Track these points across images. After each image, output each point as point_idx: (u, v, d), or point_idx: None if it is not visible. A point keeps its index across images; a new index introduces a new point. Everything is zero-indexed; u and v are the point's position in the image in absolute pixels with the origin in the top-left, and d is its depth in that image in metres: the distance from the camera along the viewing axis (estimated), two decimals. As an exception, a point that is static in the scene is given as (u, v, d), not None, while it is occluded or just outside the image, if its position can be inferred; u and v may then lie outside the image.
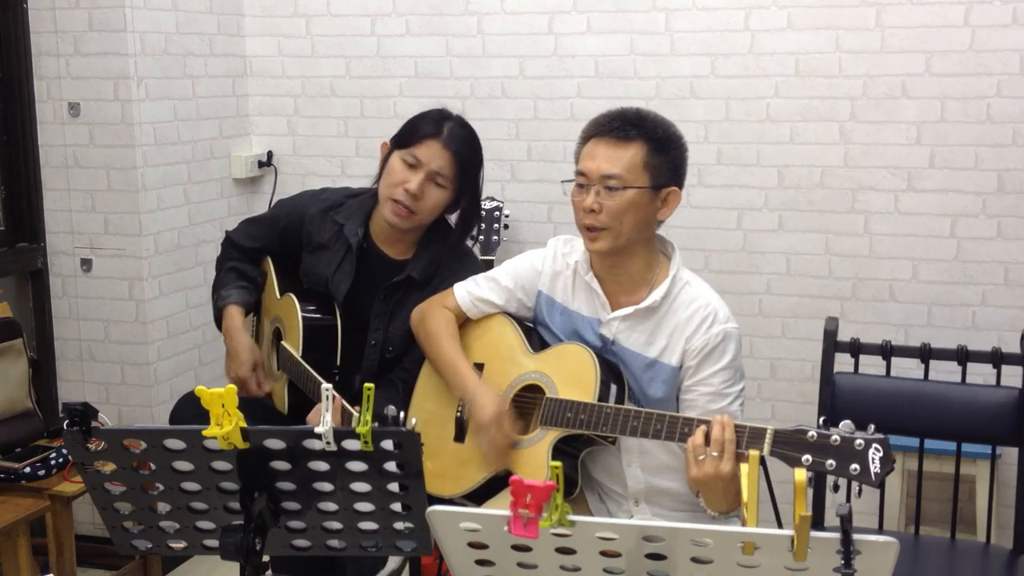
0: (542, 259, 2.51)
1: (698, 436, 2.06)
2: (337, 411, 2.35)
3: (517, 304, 2.52)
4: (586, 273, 2.41)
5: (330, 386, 1.65)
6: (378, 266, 2.73)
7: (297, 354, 2.63)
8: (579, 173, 2.34)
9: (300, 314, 2.67)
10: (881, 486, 1.92)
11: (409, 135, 2.65)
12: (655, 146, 2.31)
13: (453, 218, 2.80)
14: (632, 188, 2.28)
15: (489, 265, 2.80)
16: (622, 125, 2.31)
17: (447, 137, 2.63)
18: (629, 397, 2.33)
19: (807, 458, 1.94)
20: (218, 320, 2.87)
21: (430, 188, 2.62)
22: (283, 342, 2.73)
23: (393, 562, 3.09)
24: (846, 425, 1.93)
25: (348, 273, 2.71)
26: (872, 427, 1.92)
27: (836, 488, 1.92)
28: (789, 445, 1.97)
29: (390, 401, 2.58)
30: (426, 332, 2.57)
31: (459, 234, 2.76)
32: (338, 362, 2.67)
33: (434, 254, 2.71)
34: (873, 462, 1.88)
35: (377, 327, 2.70)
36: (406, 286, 2.69)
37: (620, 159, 2.29)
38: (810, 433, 1.95)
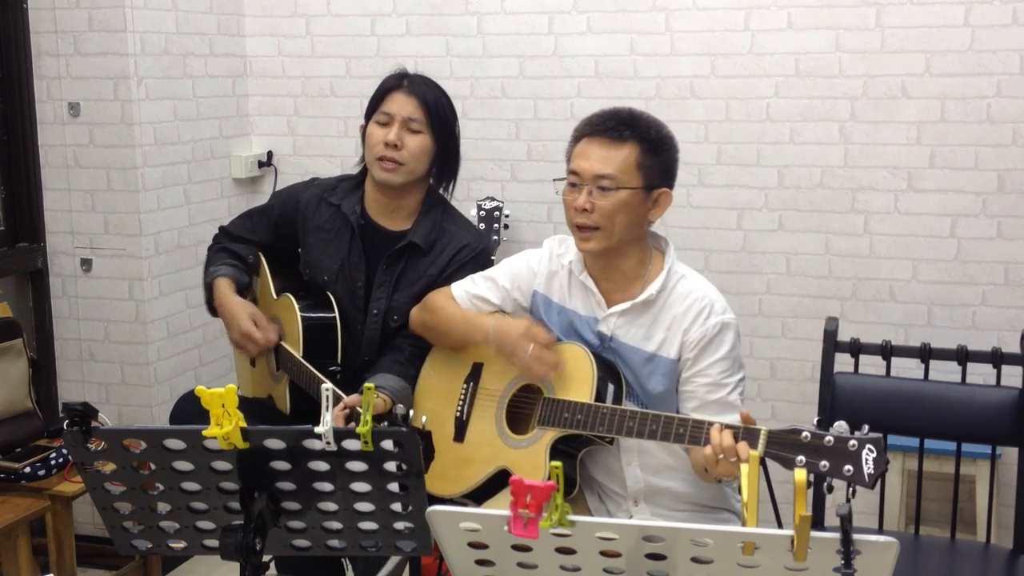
0: (538, 259, 2.51)
1: (708, 451, 2.06)
2: (340, 418, 2.35)
3: (513, 304, 2.52)
4: (580, 272, 2.42)
5: (330, 386, 1.65)
6: (378, 240, 2.74)
7: (298, 355, 2.63)
8: (572, 172, 2.34)
9: (299, 315, 2.67)
10: (875, 487, 1.91)
11: (375, 99, 2.73)
12: (648, 147, 2.31)
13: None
14: (625, 189, 2.28)
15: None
16: (616, 125, 2.31)
17: (409, 86, 2.72)
18: (628, 394, 2.34)
19: (801, 459, 1.94)
20: (209, 301, 2.84)
21: (407, 136, 2.67)
22: (283, 343, 2.73)
23: (392, 562, 3.08)
24: (840, 426, 1.93)
25: (360, 254, 2.73)
26: (866, 427, 1.92)
27: (830, 489, 1.92)
28: (783, 446, 1.97)
29: (398, 367, 2.60)
30: (429, 311, 2.58)
31: (436, 181, 2.78)
32: (338, 359, 2.68)
33: (433, 221, 2.73)
34: (867, 463, 1.88)
35: (380, 296, 2.70)
36: (408, 252, 2.71)
37: (613, 159, 2.29)
38: (804, 434, 1.95)
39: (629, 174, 2.29)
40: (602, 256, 2.36)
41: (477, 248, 2.72)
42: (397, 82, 2.72)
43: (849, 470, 1.89)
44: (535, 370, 2.34)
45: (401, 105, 2.68)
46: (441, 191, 2.80)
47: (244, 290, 2.85)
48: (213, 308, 2.83)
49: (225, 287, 2.78)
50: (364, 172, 2.78)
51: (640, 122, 2.33)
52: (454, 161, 2.78)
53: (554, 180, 2.44)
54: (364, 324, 2.72)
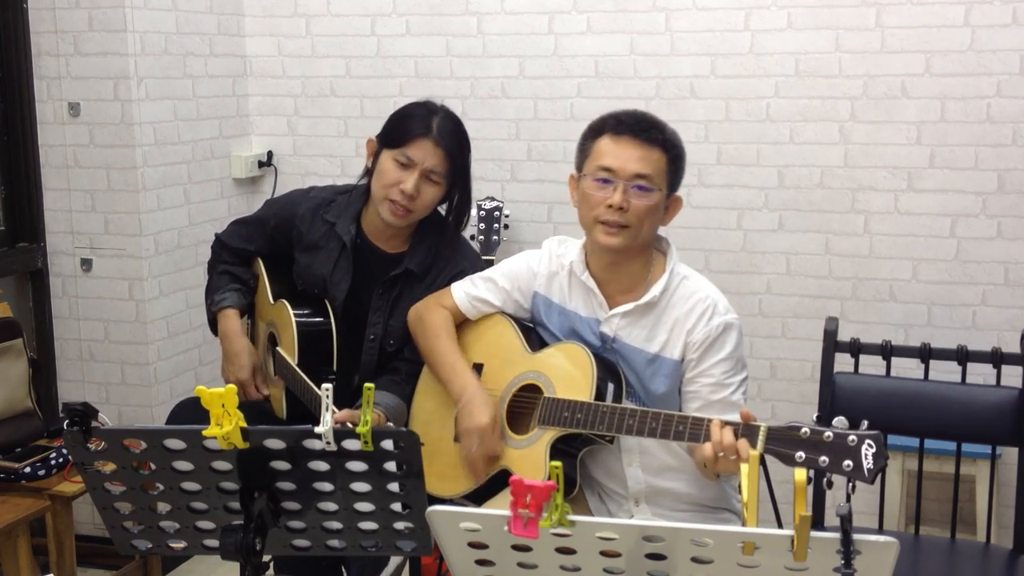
0: (538, 260, 2.51)
1: (708, 448, 2.06)
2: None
3: (514, 305, 2.52)
4: (582, 273, 2.41)
5: (330, 386, 1.64)
6: (373, 262, 2.72)
7: (293, 360, 2.63)
8: (604, 168, 2.30)
9: (294, 320, 2.66)
10: (874, 482, 1.91)
11: (399, 135, 2.62)
12: (674, 154, 2.34)
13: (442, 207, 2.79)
14: (658, 191, 2.30)
15: (489, 265, 2.79)
16: (648, 128, 2.32)
17: (438, 134, 2.60)
18: (630, 394, 2.34)
19: (800, 455, 1.94)
20: (212, 324, 2.86)
21: (425, 186, 2.61)
22: (279, 348, 2.72)
23: (394, 562, 3.08)
24: (839, 421, 1.93)
25: (346, 271, 2.71)
26: (865, 423, 1.92)
27: (830, 484, 1.92)
28: (783, 442, 1.97)
29: (394, 387, 2.60)
30: (423, 331, 2.56)
31: (453, 225, 2.75)
32: (334, 367, 2.67)
33: (429, 245, 2.71)
34: (866, 458, 1.88)
35: (376, 321, 2.70)
36: (404, 279, 2.69)
37: (650, 161, 2.29)
38: (803, 430, 1.94)
39: (661, 177, 2.31)
40: (614, 254, 2.35)
41: (472, 274, 2.66)
42: (425, 128, 2.59)
43: (849, 465, 1.89)
44: (467, 464, 2.38)
45: (426, 155, 2.58)
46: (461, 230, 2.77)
47: (245, 314, 2.87)
48: (216, 329, 2.85)
49: (235, 323, 2.79)
50: (365, 189, 2.72)
51: (666, 129, 2.35)
52: (466, 204, 2.74)
53: (580, 175, 2.37)
54: (351, 343, 2.71)
